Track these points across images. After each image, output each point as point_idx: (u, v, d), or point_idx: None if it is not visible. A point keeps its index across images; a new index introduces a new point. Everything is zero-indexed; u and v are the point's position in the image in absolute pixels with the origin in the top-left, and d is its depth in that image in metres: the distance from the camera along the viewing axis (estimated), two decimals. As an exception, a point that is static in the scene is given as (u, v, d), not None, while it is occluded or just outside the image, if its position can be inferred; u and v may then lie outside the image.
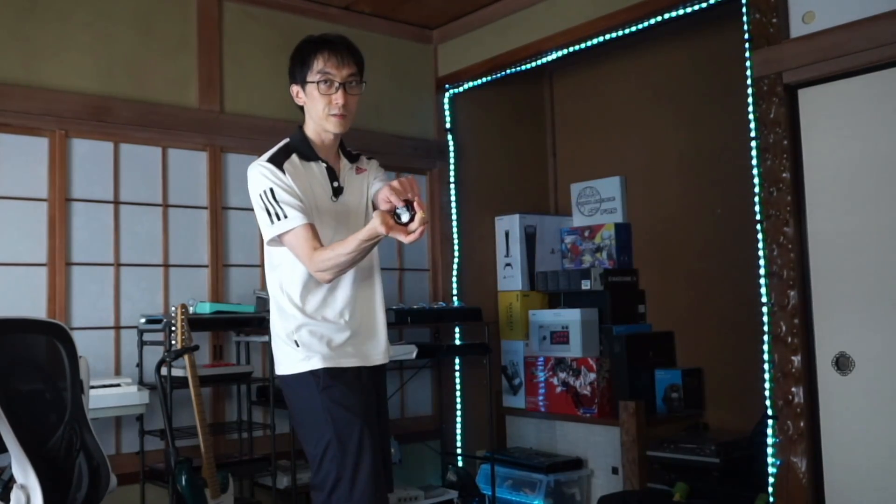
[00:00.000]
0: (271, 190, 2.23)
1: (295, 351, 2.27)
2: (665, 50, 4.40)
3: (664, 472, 3.78)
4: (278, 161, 2.28)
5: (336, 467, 2.18)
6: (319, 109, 2.32)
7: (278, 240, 2.26)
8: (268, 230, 2.26)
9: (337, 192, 2.37)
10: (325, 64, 2.30)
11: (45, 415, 2.38)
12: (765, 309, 3.13)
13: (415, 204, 2.01)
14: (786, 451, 3.03)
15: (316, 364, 2.24)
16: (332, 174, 2.38)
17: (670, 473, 3.76)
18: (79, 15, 3.54)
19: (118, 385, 3.23)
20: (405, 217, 2.03)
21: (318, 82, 2.30)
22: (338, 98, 2.30)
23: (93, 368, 2.79)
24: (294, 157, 2.32)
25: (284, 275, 2.30)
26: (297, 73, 2.35)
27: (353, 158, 2.47)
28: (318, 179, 2.34)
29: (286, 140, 2.37)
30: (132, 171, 3.65)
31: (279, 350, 2.33)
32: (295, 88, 2.38)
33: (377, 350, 2.40)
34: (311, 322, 2.28)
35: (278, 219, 2.22)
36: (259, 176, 2.27)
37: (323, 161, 2.37)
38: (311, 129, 2.38)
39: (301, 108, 2.41)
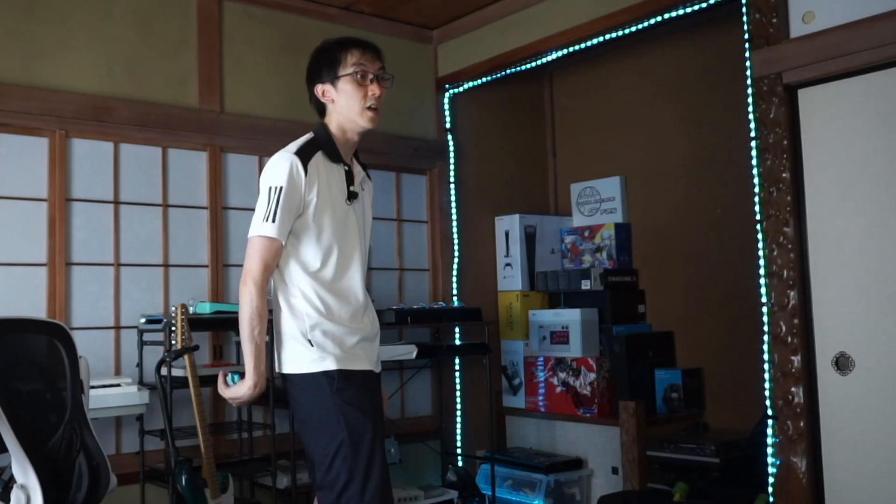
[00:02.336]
0: (280, 189, 2.24)
1: (309, 351, 2.26)
2: (665, 50, 4.41)
3: (664, 472, 3.78)
4: (306, 156, 2.29)
5: (348, 468, 2.19)
6: (355, 103, 2.34)
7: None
8: (256, 226, 2.27)
9: (352, 196, 2.38)
10: (361, 58, 2.35)
11: (45, 415, 2.38)
12: (765, 309, 3.13)
13: None
14: (786, 451, 3.03)
15: (330, 365, 2.24)
16: (350, 178, 2.39)
17: (670, 473, 3.76)
18: (79, 15, 3.54)
19: (118, 385, 3.23)
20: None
21: (354, 73, 2.33)
22: (374, 89, 2.35)
23: (93, 368, 2.79)
24: (319, 154, 2.33)
25: (298, 274, 2.30)
26: (326, 71, 2.37)
27: (363, 167, 2.50)
28: (337, 181, 2.36)
29: (311, 135, 2.38)
30: (132, 171, 3.65)
31: (289, 349, 2.31)
32: (321, 88, 2.39)
33: (377, 357, 2.41)
34: (326, 322, 2.28)
35: (268, 220, 2.24)
36: (280, 168, 2.27)
37: (345, 164, 2.39)
38: (336, 128, 2.39)
39: (320, 112, 2.42)
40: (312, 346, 2.26)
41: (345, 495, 2.19)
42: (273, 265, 2.27)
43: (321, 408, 2.25)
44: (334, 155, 2.36)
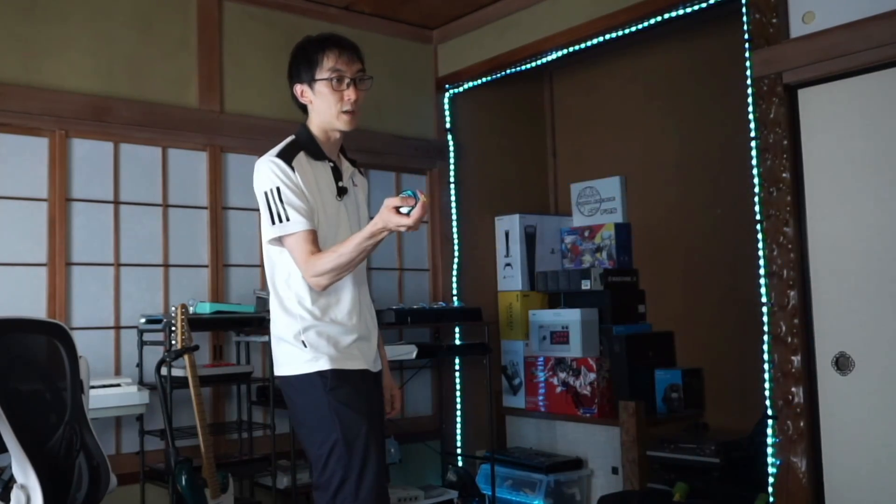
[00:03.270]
0: (277, 189, 2.23)
1: (302, 352, 2.25)
2: (665, 50, 4.41)
3: (664, 472, 3.78)
4: (288, 157, 2.28)
5: (342, 468, 2.19)
6: (331, 106, 2.32)
7: (277, 241, 2.26)
8: (268, 230, 2.26)
9: (341, 191, 2.37)
10: (337, 61, 2.31)
11: (45, 415, 2.38)
12: (765, 309, 3.13)
13: (418, 192, 2.05)
14: (786, 451, 3.03)
15: (324, 365, 2.24)
16: (338, 174, 2.38)
17: (670, 473, 3.75)
18: (79, 15, 3.54)
19: (118, 385, 3.23)
20: (405, 210, 2.07)
21: (330, 79, 2.31)
22: (350, 94, 2.31)
23: (93, 368, 2.79)
24: (302, 154, 2.31)
25: (292, 275, 2.30)
26: (304, 72, 2.35)
27: (352, 163, 2.49)
28: (324, 178, 2.35)
29: (292, 137, 2.36)
30: (132, 171, 3.65)
31: (283, 350, 2.31)
32: (300, 88, 2.37)
33: (375, 355, 2.41)
34: (320, 323, 2.27)
35: (280, 221, 2.21)
36: (268, 172, 2.26)
37: (330, 161, 2.37)
38: (316, 128, 2.37)
39: (302, 109, 2.41)
40: (306, 346, 2.25)
41: (339, 495, 2.19)
42: (316, 248, 2.22)
43: (316, 408, 2.24)
44: (317, 153, 2.34)
